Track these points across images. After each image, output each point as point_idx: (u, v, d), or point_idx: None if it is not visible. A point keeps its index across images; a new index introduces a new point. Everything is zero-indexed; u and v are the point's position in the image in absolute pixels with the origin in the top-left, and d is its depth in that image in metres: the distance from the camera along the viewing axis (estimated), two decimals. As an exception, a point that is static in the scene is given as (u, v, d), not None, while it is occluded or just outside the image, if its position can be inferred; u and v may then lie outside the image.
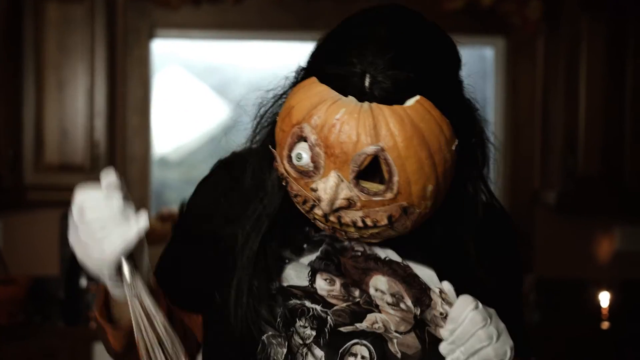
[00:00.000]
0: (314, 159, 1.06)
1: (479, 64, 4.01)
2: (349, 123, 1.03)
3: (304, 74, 1.13)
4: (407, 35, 1.08)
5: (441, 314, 1.15)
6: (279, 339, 1.13)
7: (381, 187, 1.05)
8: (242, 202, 1.20)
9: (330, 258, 1.17)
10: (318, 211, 1.07)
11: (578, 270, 3.86)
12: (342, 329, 1.13)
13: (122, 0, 3.66)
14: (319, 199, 1.06)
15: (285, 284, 1.16)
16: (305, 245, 1.18)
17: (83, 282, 3.42)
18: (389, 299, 1.15)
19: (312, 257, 1.18)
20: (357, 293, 1.15)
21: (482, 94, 4.02)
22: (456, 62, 1.14)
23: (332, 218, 1.07)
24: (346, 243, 1.18)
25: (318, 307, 1.14)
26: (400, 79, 1.04)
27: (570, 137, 3.56)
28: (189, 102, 3.92)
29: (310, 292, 1.15)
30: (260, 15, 3.71)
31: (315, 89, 1.07)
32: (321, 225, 1.11)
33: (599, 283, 3.70)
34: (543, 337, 3.37)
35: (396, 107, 1.04)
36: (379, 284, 1.16)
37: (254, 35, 3.80)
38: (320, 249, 1.18)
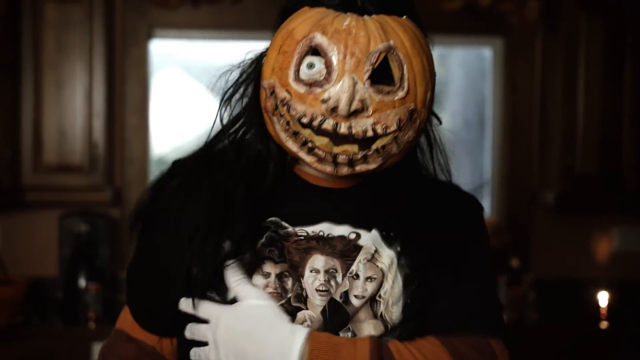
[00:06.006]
0: (327, 64, 1.08)
1: (477, 64, 4.02)
2: (357, 28, 1.08)
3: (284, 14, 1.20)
4: None
5: (350, 272, 1.19)
6: None
7: (393, 86, 1.10)
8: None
9: (274, 244, 1.20)
10: (328, 125, 1.09)
11: (577, 270, 3.86)
12: None
13: (120, 0, 3.66)
14: (335, 105, 1.08)
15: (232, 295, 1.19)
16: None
17: (82, 282, 3.41)
18: (322, 277, 1.19)
19: (257, 245, 1.20)
20: (289, 283, 1.19)
21: (481, 93, 4.02)
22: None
23: (343, 129, 1.09)
24: (290, 229, 1.21)
25: None
26: None
27: (568, 136, 3.56)
28: (187, 102, 3.92)
29: None
30: (258, 15, 3.71)
31: (312, 11, 1.13)
32: (320, 154, 1.12)
33: (598, 283, 3.70)
34: (542, 336, 3.37)
35: (394, 16, 1.12)
36: (316, 262, 1.19)
37: (252, 36, 3.80)
38: (264, 236, 1.21)
